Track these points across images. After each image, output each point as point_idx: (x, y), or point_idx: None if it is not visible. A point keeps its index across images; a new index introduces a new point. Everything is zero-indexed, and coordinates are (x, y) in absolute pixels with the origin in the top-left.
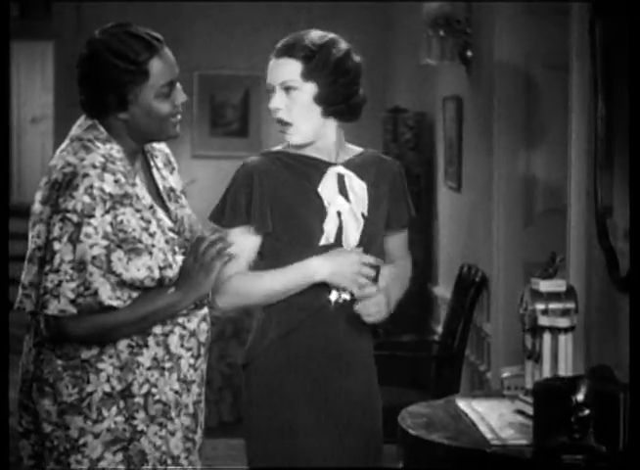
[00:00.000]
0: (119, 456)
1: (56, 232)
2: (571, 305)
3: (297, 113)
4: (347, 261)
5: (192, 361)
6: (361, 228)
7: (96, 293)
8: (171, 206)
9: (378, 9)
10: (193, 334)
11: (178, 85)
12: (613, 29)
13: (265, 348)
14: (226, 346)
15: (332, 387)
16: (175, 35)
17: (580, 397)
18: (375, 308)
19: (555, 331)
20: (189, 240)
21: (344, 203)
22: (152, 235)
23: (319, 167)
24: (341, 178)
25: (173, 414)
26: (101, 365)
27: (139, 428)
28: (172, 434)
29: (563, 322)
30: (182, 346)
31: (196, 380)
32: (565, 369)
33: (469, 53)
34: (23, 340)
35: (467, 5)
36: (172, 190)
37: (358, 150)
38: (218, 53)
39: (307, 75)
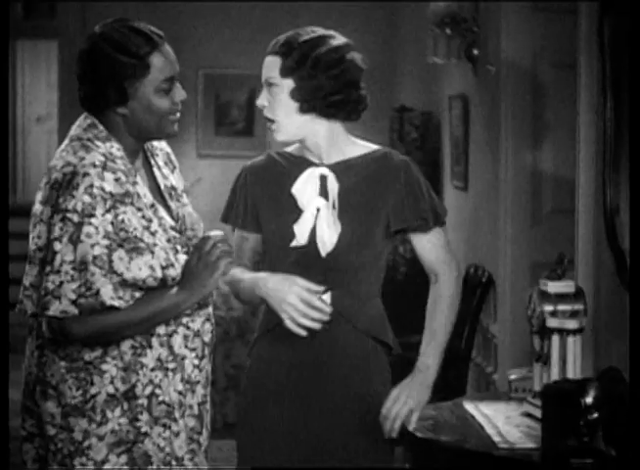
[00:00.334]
0: (124, 458)
1: (56, 232)
2: (579, 307)
3: (278, 109)
4: (286, 288)
5: (196, 362)
6: (339, 231)
7: (98, 293)
8: (173, 204)
9: (384, 8)
10: (197, 334)
11: (178, 83)
12: (621, 28)
13: (251, 346)
14: (231, 346)
15: (310, 384)
16: (180, 35)
17: (589, 399)
18: (395, 409)
19: (563, 333)
20: (191, 239)
21: (323, 204)
22: (153, 234)
23: (301, 167)
24: (323, 179)
25: (177, 415)
26: (104, 367)
27: (143, 429)
28: (176, 435)
29: (571, 324)
30: (186, 346)
31: (200, 381)
32: (573, 372)
33: (475, 52)
34: (26, 340)
35: (474, 3)
36: (173, 188)
37: (365, 149)
38: (224, 52)
39: (284, 71)
